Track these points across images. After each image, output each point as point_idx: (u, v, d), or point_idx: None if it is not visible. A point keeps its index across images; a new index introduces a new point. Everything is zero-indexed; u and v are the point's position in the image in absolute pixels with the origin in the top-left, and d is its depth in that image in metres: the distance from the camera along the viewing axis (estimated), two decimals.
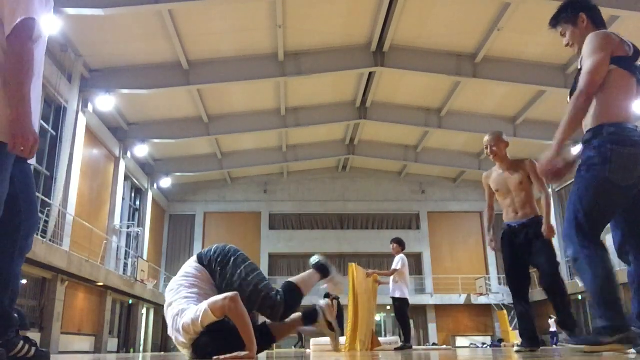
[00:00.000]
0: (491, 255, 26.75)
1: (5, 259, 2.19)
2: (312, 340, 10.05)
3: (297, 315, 3.45)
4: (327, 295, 14.83)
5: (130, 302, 20.93)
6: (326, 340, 7.13)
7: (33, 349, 2.26)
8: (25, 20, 2.06)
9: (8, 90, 2.02)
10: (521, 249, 4.56)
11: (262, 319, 3.39)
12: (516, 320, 4.81)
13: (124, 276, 18.84)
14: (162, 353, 20.68)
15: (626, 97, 2.57)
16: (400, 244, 8.46)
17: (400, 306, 8.32)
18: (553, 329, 20.04)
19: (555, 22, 2.95)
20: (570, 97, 2.66)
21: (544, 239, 4.43)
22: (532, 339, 4.41)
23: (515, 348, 4.73)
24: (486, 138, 4.79)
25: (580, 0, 2.85)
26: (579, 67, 2.68)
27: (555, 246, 4.78)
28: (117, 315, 19.84)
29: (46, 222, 13.51)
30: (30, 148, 2.00)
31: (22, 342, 2.23)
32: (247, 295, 3.08)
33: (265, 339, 3.32)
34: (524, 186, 4.59)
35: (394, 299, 8.34)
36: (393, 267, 8.36)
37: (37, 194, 13.45)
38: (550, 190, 4.72)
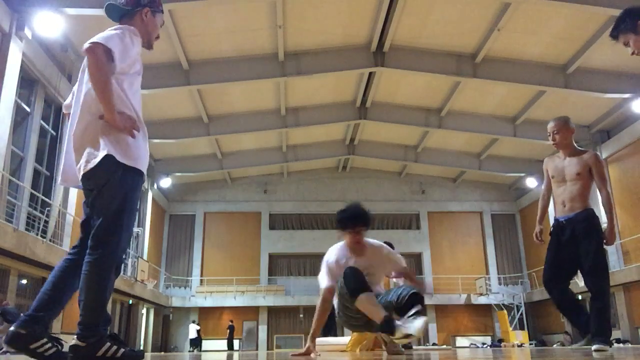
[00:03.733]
0: (491, 256, 26.75)
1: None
2: None
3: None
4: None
5: (130, 302, 20.93)
6: (325, 340, 7.13)
7: (53, 349, 2.37)
8: (97, 45, 2.37)
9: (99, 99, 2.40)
10: (566, 247, 4.24)
11: None
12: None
13: (124, 276, 18.84)
14: (162, 353, 20.69)
15: None
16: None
17: None
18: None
19: (616, 33, 2.95)
20: None
21: (592, 240, 4.13)
22: (583, 327, 4.17)
23: (573, 346, 4.47)
24: (550, 124, 4.47)
25: (635, 8, 2.88)
26: None
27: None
28: (117, 315, 19.85)
29: (46, 222, 13.52)
30: (131, 127, 2.50)
31: (107, 344, 2.37)
32: None
33: None
34: (581, 178, 4.27)
35: None
36: None
37: (37, 193, 13.45)
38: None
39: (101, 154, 2.38)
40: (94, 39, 2.36)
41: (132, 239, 21.27)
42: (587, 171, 4.29)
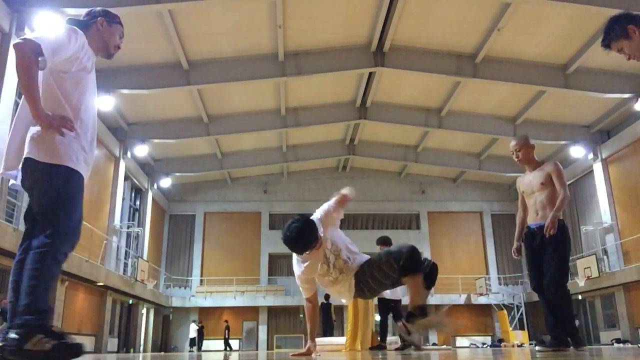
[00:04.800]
0: (491, 256, 26.76)
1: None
2: None
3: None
4: (327, 297, 14.85)
5: (130, 302, 20.94)
6: (325, 340, 7.13)
7: (51, 343, 2.34)
8: (25, 41, 2.36)
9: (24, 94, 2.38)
10: (538, 251, 4.56)
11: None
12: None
13: (124, 276, 18.85)
14: (162, 353, 20.69)
15: None
16: (386, 243, 7.88)
17: (398, 307, 8.29)
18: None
19: (607, 42, 2.94)
20: None
21: (558, 248, 4.41)
22: (559, 338, 4.38)
23: (537, 348, 4.65)
24: (512, 143, 4.88)
25: (621, 15, 2.88)
26: None
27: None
28: (117, 315, 19.85)
29: None
30: (61, 125, 2.42)
31: (38, 336, 2.32)
32: None
33: None
34: (545, 186, 4.58)
35: (392, 300, 8.22)
36: None
37: None
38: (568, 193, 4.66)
39: (24, 157, 2.46)
40: (25, 36, 2.39)
41: (132, 239, 21.27)
42: (549, 180, 4.60)
